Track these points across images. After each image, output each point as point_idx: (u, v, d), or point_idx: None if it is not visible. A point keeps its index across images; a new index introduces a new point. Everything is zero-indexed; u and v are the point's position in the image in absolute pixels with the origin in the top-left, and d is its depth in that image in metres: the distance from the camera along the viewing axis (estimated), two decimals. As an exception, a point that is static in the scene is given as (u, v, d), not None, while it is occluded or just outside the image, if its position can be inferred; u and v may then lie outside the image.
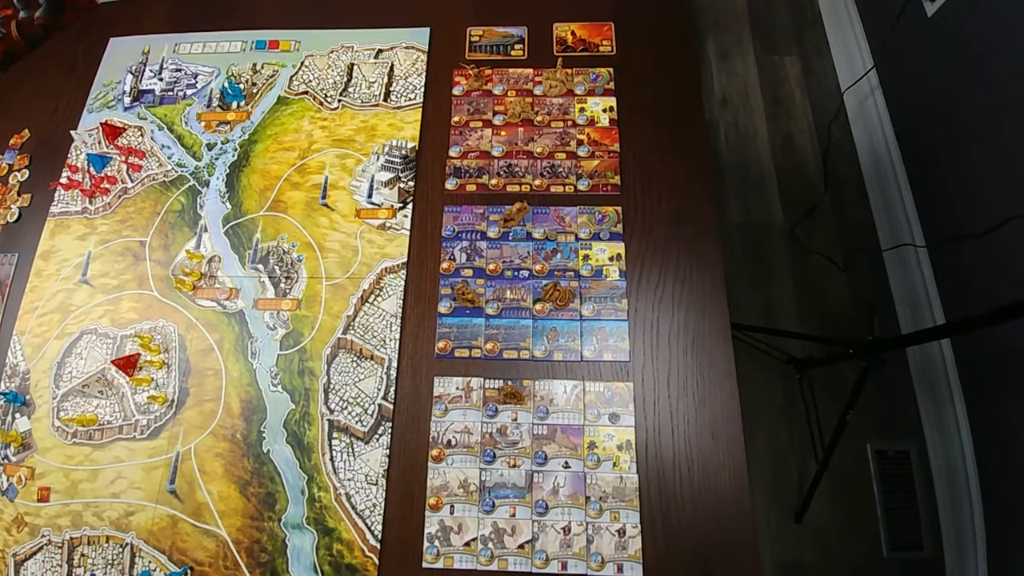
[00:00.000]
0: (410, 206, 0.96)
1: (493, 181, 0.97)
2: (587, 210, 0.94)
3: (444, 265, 0.92)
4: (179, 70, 1.11)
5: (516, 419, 0.84)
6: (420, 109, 1.03)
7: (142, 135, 1.06)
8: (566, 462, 0.81)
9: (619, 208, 0.94)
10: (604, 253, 0.92)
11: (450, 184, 0.97)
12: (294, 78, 1.08)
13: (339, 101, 1.05)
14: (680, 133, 0.99)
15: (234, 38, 1.12)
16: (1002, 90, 1.36)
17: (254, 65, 1.09)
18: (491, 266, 0.92)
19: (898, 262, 1.75)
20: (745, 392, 0.85)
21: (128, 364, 0.90)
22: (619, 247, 0.92)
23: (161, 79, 1.10)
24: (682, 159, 0.97)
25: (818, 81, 2.14)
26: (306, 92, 1.06)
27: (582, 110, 1.01)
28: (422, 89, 1.04)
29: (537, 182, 0.97)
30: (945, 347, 1.60)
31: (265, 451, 0.84)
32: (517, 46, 1.07)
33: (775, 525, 1.58)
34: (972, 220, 1.45)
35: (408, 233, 0.94)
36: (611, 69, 1.04)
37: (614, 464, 0.81)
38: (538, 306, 0.89)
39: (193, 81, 1.09)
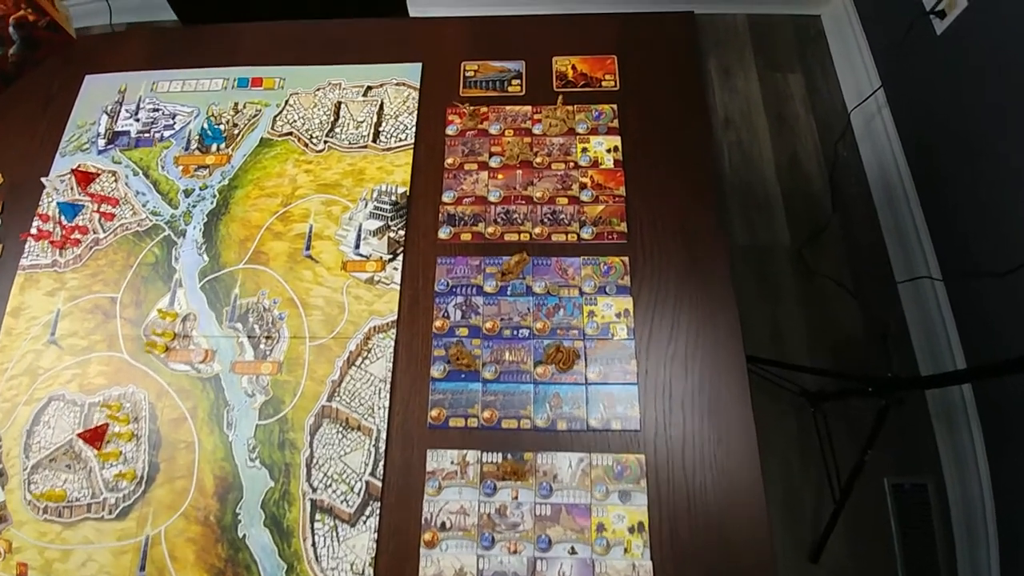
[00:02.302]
0: (400, 258, 0.87)
1: (490, 229, 0.88)
2: (591, 261, 0.85)
3: (437, 323, 0.83)
4: (156, 110, 1.02)
5: (517, 497, 0.74)
6: (411, 150, 0.94)
7: (116, 181, 0.97)
8: (572, 547, 0.72)
9: (626, 258, 0.85)
10: (611, 309, 0.82)
11: (443, 233, 0.88)
12: (278, 118, 0.99)
13: (325, 142, 0.96)
14: (690, 173, 0.90)
15: (215, 75, 1.03)
16: (1016, 111, 1.26)
17: (235, 104, 1.00)
18: (488, 324, 0.82)
19: (913, 292, 1.65)
20: (756, 424, 0.76)
21: (95, 437, 0.81)
22: (627, 302, 0.83)
23: (137, 119, 1.02)
24: (692, 201, 0.88)
25: (823, 99, 2.04)
26: (290, 133, 0.97)
27: (584, 150, 0.92)
28: (413, 129, 0.95)
29: (537, 230, 0.87)
30: (959, 362, 1.50)
31: (241, 536, 0.75)
32: (514, 81, 0.98)
33: (790, 557, 1.48)
34: (991, 252, 1.35)
35: (398, 288, 0.85)
36: (614, 105, 0.95)
37: (625, 550, 0.71)
38: (540, 369, 0.80)
39: (171, 122, 1.01)
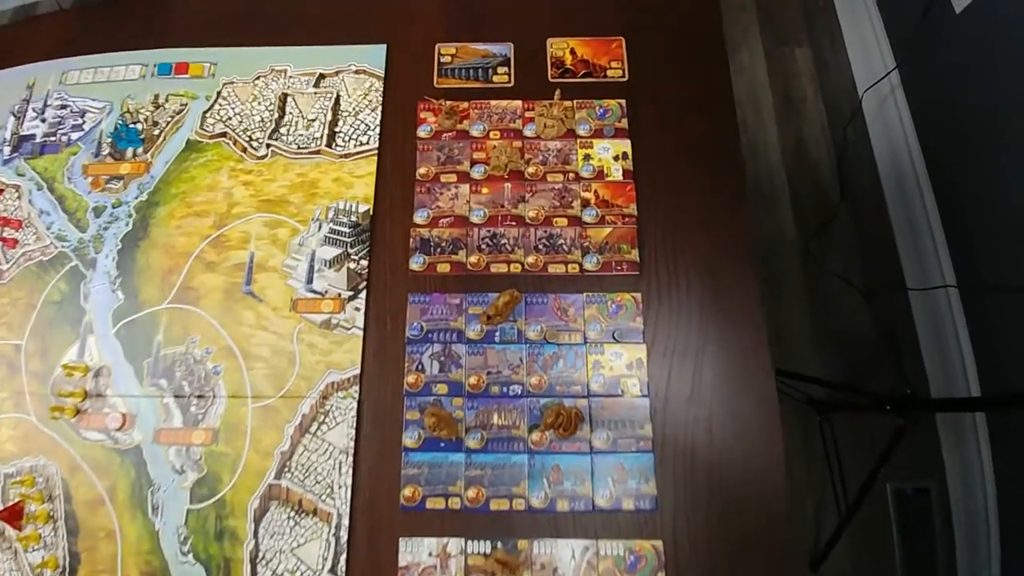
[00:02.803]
0: (363, 295, 0.70)
1: (472, 259, 0.71)
2: (597, 298, 0.69)
3: (410, 379, 0.67)
4: (64, 107, 0.81)
5: (509, 597, 0.60)
6: (375, 157, 0.75)
7: (19, 198, 0.77)
8: (577, 659, 0.59)
9: (638, 295, 0.69)
10: (621, 359, 0.67)
11: (416, 263, 0.71)
12: (208, 114, 0.79)
13: (268, 147, 0.77)
14: (716, 187, 0.73)
15: (132, 60, 0.82)
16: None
17: (156, 97, 0.80)
18: (472, 379, 0.67)
19: (925, 296, 1.53)
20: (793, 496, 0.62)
21: (13, 516, 0.65)
22: (639, 350, 0.67)
23: (43, 120, 0.81)
24: (718, 222, 0.72)
25: (832, 76, 1.86)
26: (224, 134, 0.78)
27: (587, 158, 0.74)
28: (377, 129, 0.77)
29: (531, 259, 0.71)
30: (972, 384, 1.40)
31: (171, 654, 0.60)
32: (501, 69, 0.79)
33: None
34: (1012, 257, 1.22)
35: (361, 333, 0.68)
36: (623, 101, 0.77)
37: (641, 662, 0.58)
38: (535, 435, 0.65)
39: (79, 121, 0.80)
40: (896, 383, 1.49)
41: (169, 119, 0.79)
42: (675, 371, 0.67)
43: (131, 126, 0.79)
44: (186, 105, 0.79)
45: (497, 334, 0.68)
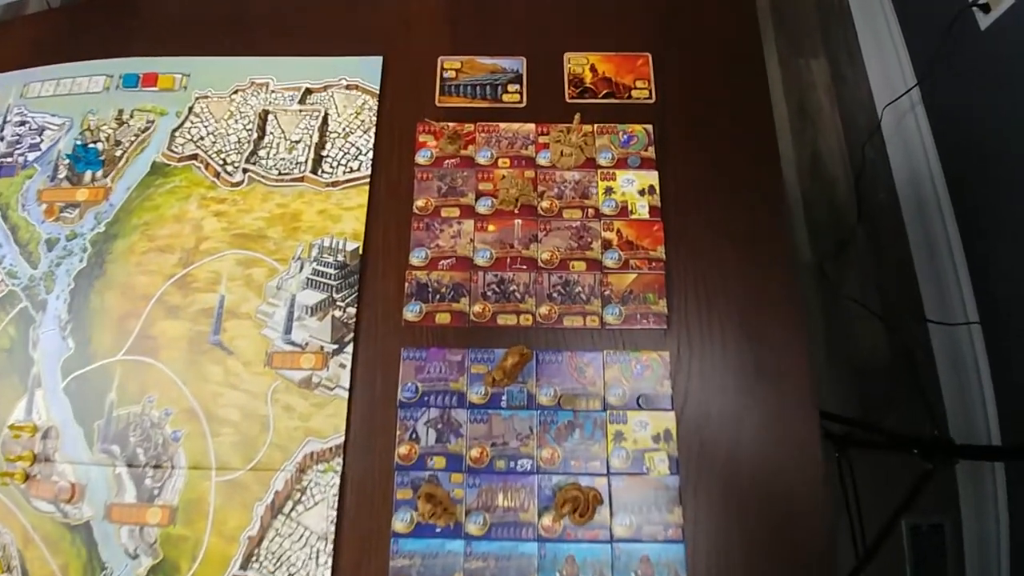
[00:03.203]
0: (350, 348, 0.60)
1: (477, 308, 0.61)
2: (620, 357, 0.59)
3: (402, 450, 0.57)
4: (24, 123, 0.71)
5: None
6: (367, 187, 0.65)
7: (-30, 226, 0.67)
8: None
9: (666, 354, 0.59)
10: (646, 429, 0.57)
11: (411, 312, 0.61)
12: (178, 133, 0.68)
13: (244, 172, 0.66)
14: (757, 227, 0.63)
15: (96, 70, 0.72)
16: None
17: (119, 112, 0.69)
18: (474, 452, 0.57)
19: (946, 328, 1.43)
20: None
21: None
22: (668, 418, 0.57)
23: (2, 138, 0.70)
24: (757, 266, 0.62)
25: (849, 90, 1.77)
26: (195, 156, 0.67)
27: (609, 192, 0.64)
28: (370, 154, 0.66)
29: (544, 310, 0.60)
30: (992, 420, 1.31)
31: None
32: (512, 86, 0.69)
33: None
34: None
35: (347, 395, 0.58)
36: (650, 126, 0.67)
37: None
38: (547, 520, 0.55)
39: (37, 139, 0.70)
40: (917, 420, 1.40)
41: (133, 138, 0.68)
42: (709, 445, 0.57)
43: (91, 146, 0.68)
44: (153, 122, 0.69)
45: (504, 398, 0.58)
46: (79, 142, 0.69)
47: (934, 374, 1.46)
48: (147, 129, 0.69)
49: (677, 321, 0.61)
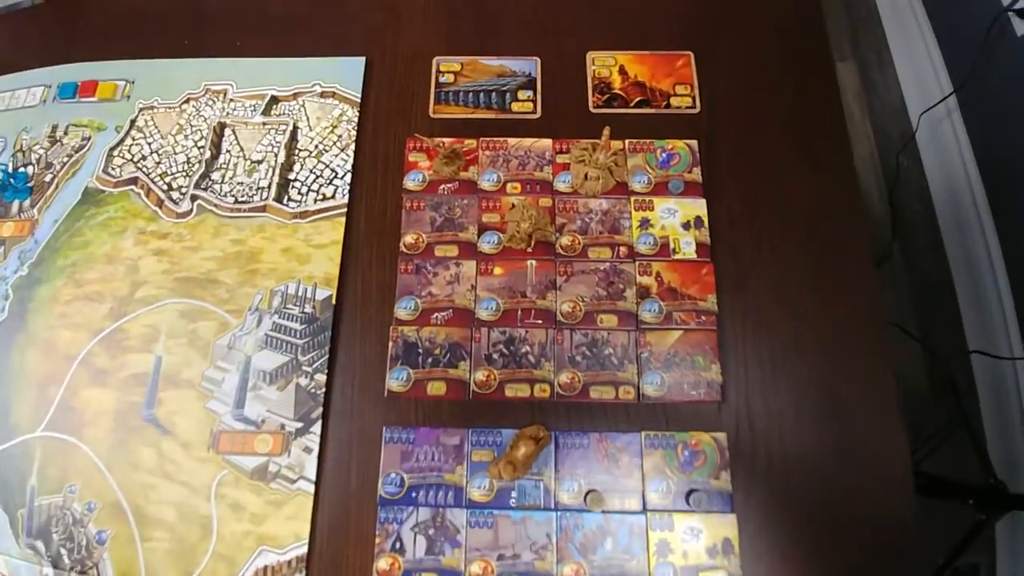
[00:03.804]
0: (318, 428, 0.46)
1: (479, 375, 0.47)
2: (663, 441, 0.45)
3: (382, 564, 0.43)
4: (-45, 141, 0.58)
5: None
6: (343, 219, 0.51)
7: None
8: None
9: (721, 435, 0.45)
10: (699, 539, 0.43)
11: (396, 380, 0.47)
12: (116, 152, 0.55)
13: (193, 199, 0.53)
14: (828, 267, 0.49)
15: (34, 81, 0.59)
16: None
17: (53, 129, 0.56)
18: (476, 567, 0.43)
19: (989, 360, 1.28)
20: None
21: None
22: (728, 524, 0.43)
23: None
24: (837, 322, 0.48)
25: (880, 96, 1.62)
26: (134, 180, 0.54)
27: (646, 224, 0.50)
28: (348, 178, 0.53)
29: (564, 377, 0.47)
30: None
31: None
32: (523, 93, 0.55)
33: None
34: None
35: (313, 489, 0.45)
36: (694, 142, 0.53)
37: None
38: (571, 664, 0.41)
39: (-36, 160, 0.57)
40: (959, 456, 1.25)
41: (66, 159, 0.55)
42: (784, 559, 0.43)
43: (20, 170, 0.55)
44: (89, 139, 0.56)
45: (514, 494, 0.44)
46: (5, 166, 0.55)
47: (975, 404, 1.31)
48: (82, 148, 0.55)
49: (735, 392, 0.46)
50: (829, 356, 0.48)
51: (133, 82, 0.57)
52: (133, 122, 0.56)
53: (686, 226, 0.51)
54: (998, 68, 1.24)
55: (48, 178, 0.55)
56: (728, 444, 0.45)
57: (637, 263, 0.50)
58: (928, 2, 1.51)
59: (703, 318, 0.48)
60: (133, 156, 0.54)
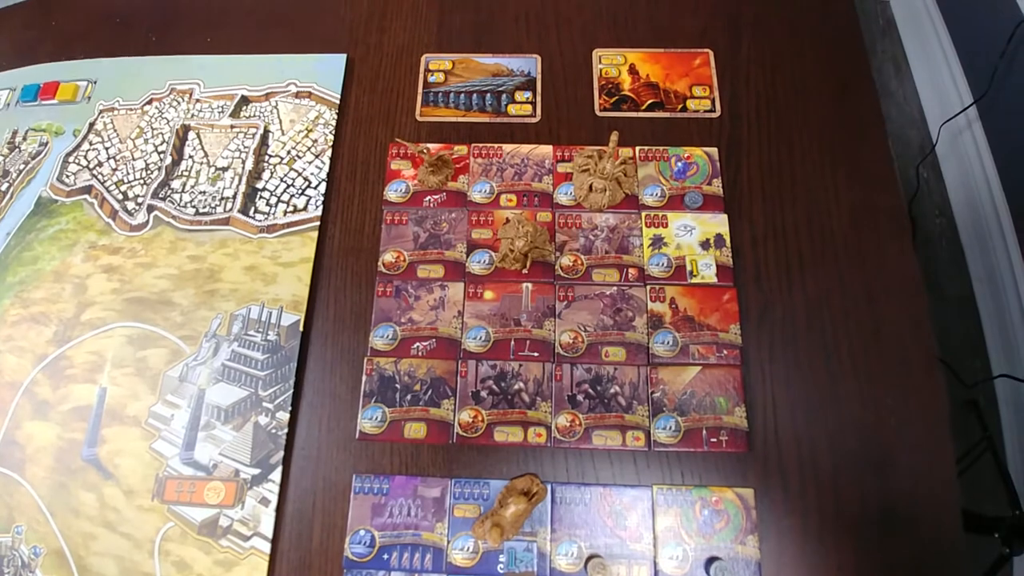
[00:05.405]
0: (277, 475, 0.39)
1: (465, 415, 0.40)
2: (678, 497, 0.38)
3: (345, 640, 0.36)
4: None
5: None
6: (315, 234, 0.45)
7: None
8: None
9: (748, 492, 0.37)
10: (721, 618, 0.35)
11: (369, 420, 0.40)
12: (72, 157, 0.49)
13: (150, 210, 0.46)
14: (876, 295, 0.41)
15: (2, 83, 0.53)
16: None
17: (13, 135, 0.50)
18: (455, 647, 0.36)
19: (1009, 370, 1.18)
20: None
21: None
22: (756, 601, 0.36)
23: None
24: (881, 358, 0.40)
25: (898, 105, 1.53)
26: (88, 189, 0.47)
27: (659, 243, 0.43)
28: (322, 187, 0.46)
29: (564, 420, 0.39)
30: None
31: None
32: (521, 95, 0.48)
33: None
34: None
35: (268, 548, 0.38)
36: (714, 150, 0.46)
37: None
38: None
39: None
40: (980, 482, 1.16)
41: (22, 166, 0.49)
42: (822, 650, 0.35)
43: (-30, 178, 0.49)
44: (46, 144, 0.50)
45: (502, 558, 0.37)
46: (-42, 174, 0.50)
47: (996, 426, 1.22)
48: (39, 154, 0.49)
49: (763, 440, 0.39)
50: (872, 398, 0.40)
51: (95, 82, 0.51)
52: (91, 125, 0.50)
53: (705, 245, 0.43)
54: (1019, 78, 1.16)
55: (4, 187, 0.49)
56: (755, 503, 0.38)
57: (648, 287, 0.42)
58: (946, 10, 1.42)
59: (725, 352, 0.41)
60: (89, 162, 0.48)
